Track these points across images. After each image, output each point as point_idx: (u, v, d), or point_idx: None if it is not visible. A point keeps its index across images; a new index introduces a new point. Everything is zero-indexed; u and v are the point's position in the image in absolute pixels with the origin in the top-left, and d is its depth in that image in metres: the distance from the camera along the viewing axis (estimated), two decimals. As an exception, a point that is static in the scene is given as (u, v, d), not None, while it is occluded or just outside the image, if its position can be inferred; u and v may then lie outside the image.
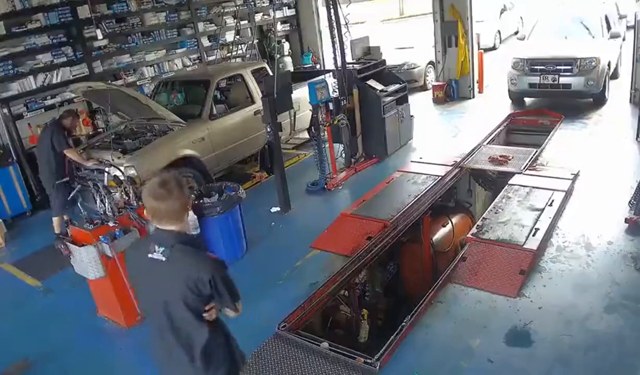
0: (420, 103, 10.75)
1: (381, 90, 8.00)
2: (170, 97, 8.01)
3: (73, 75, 8.63)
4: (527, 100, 10.22)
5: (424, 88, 12.10)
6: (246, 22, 11.60)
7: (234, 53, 11.33)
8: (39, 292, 5.66)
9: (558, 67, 9.05)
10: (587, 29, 9.87)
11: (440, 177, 6.85)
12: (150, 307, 2.60)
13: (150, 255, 2.40)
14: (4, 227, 7.13)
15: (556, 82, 9.07)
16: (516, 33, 15.09)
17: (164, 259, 2.37)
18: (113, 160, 6.13)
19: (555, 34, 10.17)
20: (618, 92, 9.67)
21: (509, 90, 10.04)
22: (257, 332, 4.29)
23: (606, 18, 10.03)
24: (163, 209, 2.36)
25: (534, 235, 5.16)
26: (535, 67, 9.28)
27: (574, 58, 8.97)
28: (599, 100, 9.35)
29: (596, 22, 9.86)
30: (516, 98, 10.17)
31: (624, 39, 10.73)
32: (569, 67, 8.97)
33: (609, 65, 9.35)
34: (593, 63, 8.89)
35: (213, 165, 7.17)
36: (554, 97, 9.68)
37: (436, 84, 11.07)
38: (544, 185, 6.21)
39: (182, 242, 2.41)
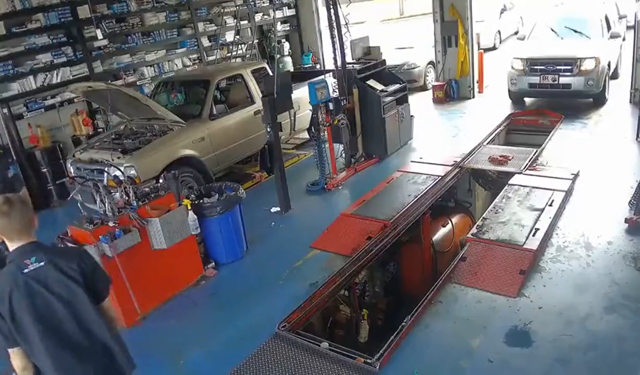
0: (420, 103, 10.74)
1: (381, 90, 7.99)
2: (170, 97, 8.01)
3: (73, 75, 8.64)
4: (527, 100, 10.22)
5: (424, 88, 12.09)
6: (246, 22, 11.59)
7: (234, 53, 11.33)
8: (39, 292, 5.65)
9: (558, 67, 9.03)
10: (587, 28, 9.80)
11: (440, 177, 6.86)
12: (51, 328, 2.44)
13: (26, 271, 2.39)
14: (4, 227, 7.12)
15: (556, 82, 9.06)
16: (516, 33, 15.09)
17: (42, 263, 2.42)
18: (113, 160, 6.13)
19: (555, 34, 10.12)
20: (618, 92, 9.67)
21: (509, 90, 10.02)
22: (257, 332, 4.29)
23: (606, 18, 9.97)
24: (14, 223, 2.40)
25: (534, 235, 5.16)
26: (535, 67, 9.25)
27: (573, 58, 8.95)
28: (599, 100, 9.34)
29: (596, 22, 9.81)
30: (516, 98, 10.14)
31: (624, 39, 10.73)
32: (569, 67, 8.95)
33: (608, 65, 9.31)
34: (593, 63, 8.87)
35: (213, 165, 7.16)
36: (554, 97, 9.66)
37: (436, 84, 11.06)
38: (544, 185, 6.21)
39: (45, 246, 2.55)
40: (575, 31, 9.89)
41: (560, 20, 10.52)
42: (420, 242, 6.32)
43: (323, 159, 7.15)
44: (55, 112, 8.49)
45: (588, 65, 8.87)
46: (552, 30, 10.24)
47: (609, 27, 9.87)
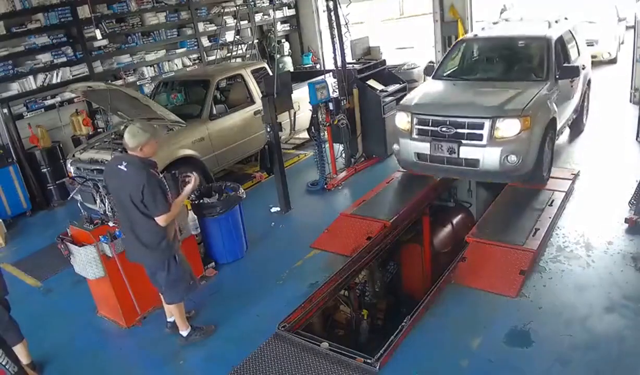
0: (420, 103, 10.72)
1: (381, 90, 7.99)
2: (170, 97, 8.01)
3: (73, 75, 8.64)
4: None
5: (424, 88, 12.08)
6: (246, 22, 11.60)
7: (234, 53, 11.34)
8: (39, 292, 5.65)
9: (459, 131, 5.62)
10: (525, 61, 6.65)
11: (440, 177, 6.84)
12: (117, 200, 4.00)
13: (118, 167, 3.82)
14: (4, 227, 7.13)
15: (454, 155, 5.66)
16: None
17: (125, 169, 3.77)
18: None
19: (478, 67, 7.09)
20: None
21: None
22: (257, 332, 4.30)
23: (560, 44, 6.54)
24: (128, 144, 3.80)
25: (534, 235, 5.15)
26: (424, 127, 5.88)
27: (482, 116, 5.54)
28: (532, 181, 5.94)
29: (538, 54, 6.41)
30: (408, 168, 6.57)
31: (622, 42, 10.49)
32: (476, 132, 5.55)
33: (553, 123, 5.95)
34: (517, 125, 5.46)
35: (213, 165, 7.16)
36: (457, 176, 6.33)
37: (436, 84, 11.02)
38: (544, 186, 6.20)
39: (136, 162, 3.76)
40: (507, 66, 6.68)
41: (488, 47, 7.23)
42: (420, 242, 6.32)
43: (323, 159, 7.15)
44: (55, 112, 8.49)
45: (508, 128, 5.48)
46: (467, 63, 7.11)
47: (563, 59, 6.45)
